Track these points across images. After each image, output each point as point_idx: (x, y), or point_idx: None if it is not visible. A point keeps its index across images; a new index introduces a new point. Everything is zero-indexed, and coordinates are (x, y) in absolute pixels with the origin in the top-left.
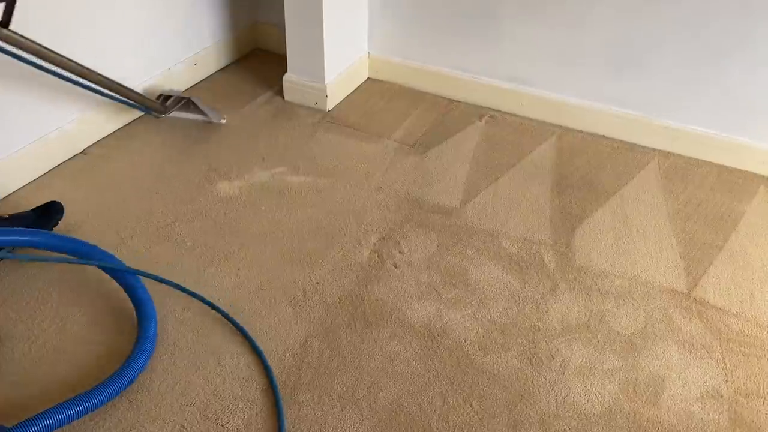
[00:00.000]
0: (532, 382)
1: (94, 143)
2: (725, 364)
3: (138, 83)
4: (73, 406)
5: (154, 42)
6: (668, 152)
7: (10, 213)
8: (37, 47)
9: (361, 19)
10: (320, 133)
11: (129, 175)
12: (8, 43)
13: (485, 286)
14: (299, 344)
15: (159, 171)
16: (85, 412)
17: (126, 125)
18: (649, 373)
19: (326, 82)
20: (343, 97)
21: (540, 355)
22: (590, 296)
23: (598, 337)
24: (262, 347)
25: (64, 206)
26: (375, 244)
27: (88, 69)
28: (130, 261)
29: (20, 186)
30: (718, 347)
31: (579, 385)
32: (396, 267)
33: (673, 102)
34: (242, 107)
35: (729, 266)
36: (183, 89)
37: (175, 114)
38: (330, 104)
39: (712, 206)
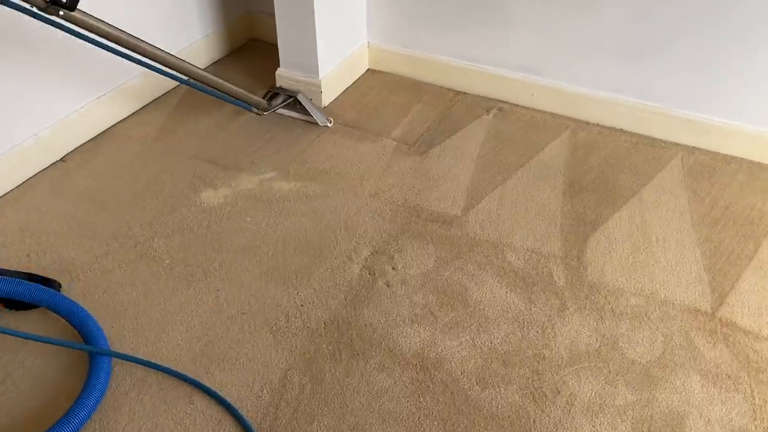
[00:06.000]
0: (535, 422)
1: (73, 150)
2: (754, 398)
3: (124, 81)
4: None
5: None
6: (693, 147)
7: (4, 268)
8: (116, 33)
9: (359, 6)
10: (314, 132)
11: (109, 184)
12: (79, 26)
13: (486, 308)
14: (278, 378)
15: (140, 179)
16: None
17: (106, 130)
18: (666, 410)
19: (321, 77)
20: (340, 91)
21: (544, 389)
22: (602, 318)
23: (610, 366)
24: (238, 380)
25: (61, 286)
26: (367, 259)
27: (174, 56)
28: (102, 284)
29: None
30: (747, 378)
31: (587, 425)
32: (388, 286)
33: (697, 92)
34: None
35: (760, 280)
36: (296, 87)
37: (279, 112)
38: (326, 100)
39: (741, 209)
